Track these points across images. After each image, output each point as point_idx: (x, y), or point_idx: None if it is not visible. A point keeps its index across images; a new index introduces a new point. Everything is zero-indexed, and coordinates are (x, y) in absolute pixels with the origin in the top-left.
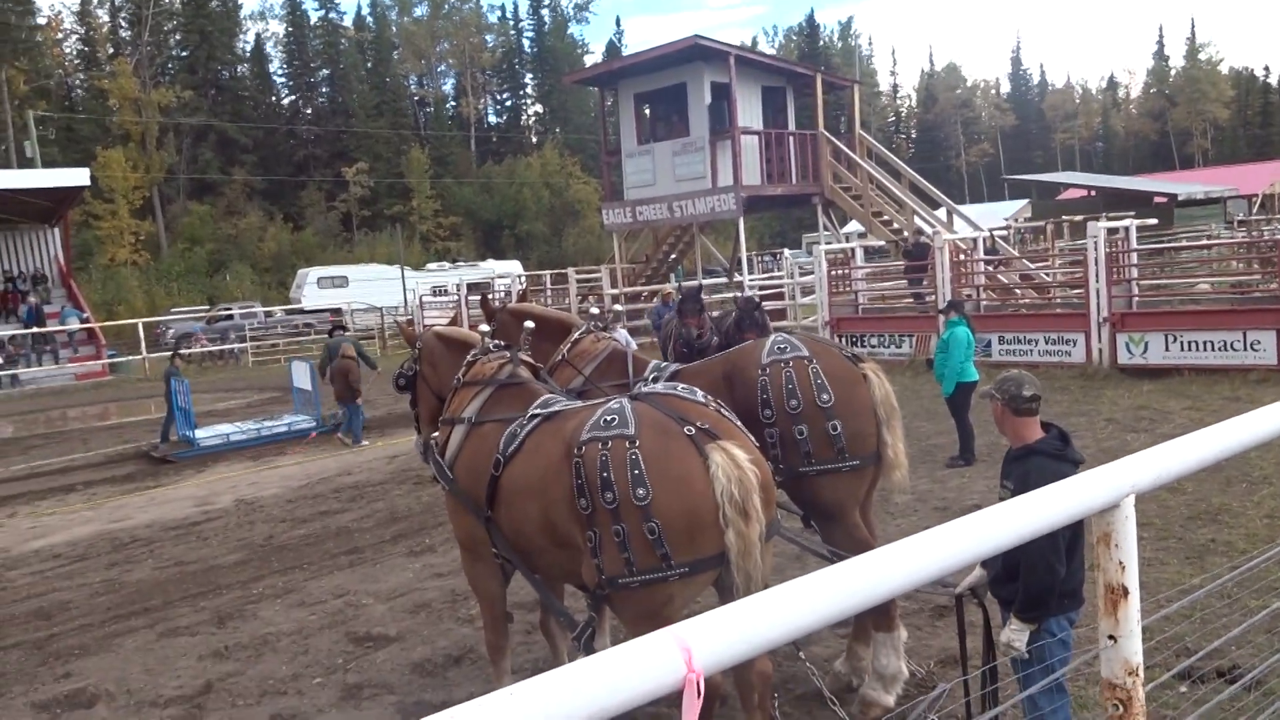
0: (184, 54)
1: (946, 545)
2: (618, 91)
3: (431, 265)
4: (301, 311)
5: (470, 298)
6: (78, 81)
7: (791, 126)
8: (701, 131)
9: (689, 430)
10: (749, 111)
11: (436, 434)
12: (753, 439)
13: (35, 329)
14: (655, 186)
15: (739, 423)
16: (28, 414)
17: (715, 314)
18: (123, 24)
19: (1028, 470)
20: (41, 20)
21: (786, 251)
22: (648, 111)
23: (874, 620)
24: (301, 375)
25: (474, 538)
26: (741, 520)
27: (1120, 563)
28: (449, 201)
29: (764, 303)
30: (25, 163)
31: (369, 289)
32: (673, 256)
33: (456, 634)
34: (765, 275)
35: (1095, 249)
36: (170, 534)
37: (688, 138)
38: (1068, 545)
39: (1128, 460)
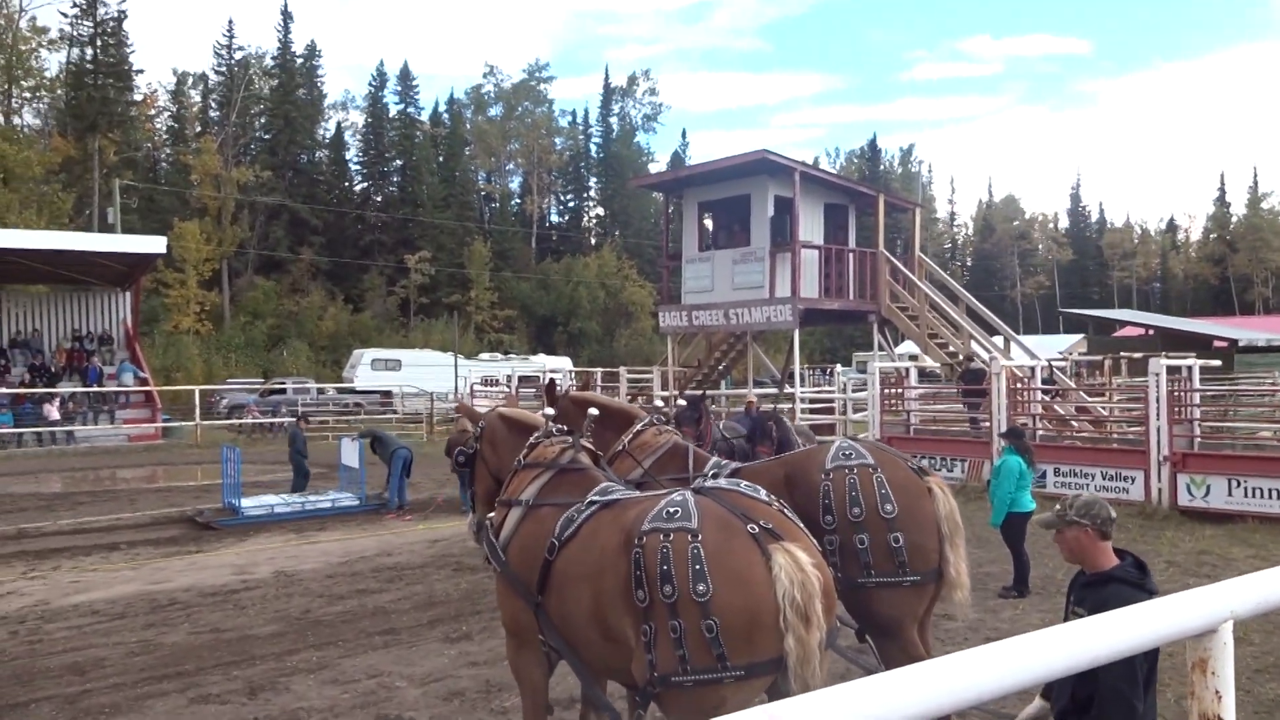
0: (267, 136)
1: (1038, 652)
2: (682, 198)
3: (484, 355)
4: (353, 391)
5: (522, 389)
6: (164, 155)
7: (852, 244)
8: (763, 242)
9: (752, 528)
10: (811, 226)
11: (492, 514)
12: (815, 543)
13: (94, 388)
14: (713, 293)
15: (802, 525)
16: (78, 471)
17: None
18: (213, 104)
19: (1105, 597)
20: (138, 96)
21: (839, 367)
22: (710, 219)
23: None
24: (350, 453)
25: (521, 623)
26: (802, 625)
27: (1217, 692)
28: (506, 294)
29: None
30: (106, 228)
31: (421, 374)
32: (724, 364)
33: None
34: (816, 389)
35: (1157, 386)
36: (208, 600)
37: (748, 247)
38: (1144, 680)
39: (1227, 584)
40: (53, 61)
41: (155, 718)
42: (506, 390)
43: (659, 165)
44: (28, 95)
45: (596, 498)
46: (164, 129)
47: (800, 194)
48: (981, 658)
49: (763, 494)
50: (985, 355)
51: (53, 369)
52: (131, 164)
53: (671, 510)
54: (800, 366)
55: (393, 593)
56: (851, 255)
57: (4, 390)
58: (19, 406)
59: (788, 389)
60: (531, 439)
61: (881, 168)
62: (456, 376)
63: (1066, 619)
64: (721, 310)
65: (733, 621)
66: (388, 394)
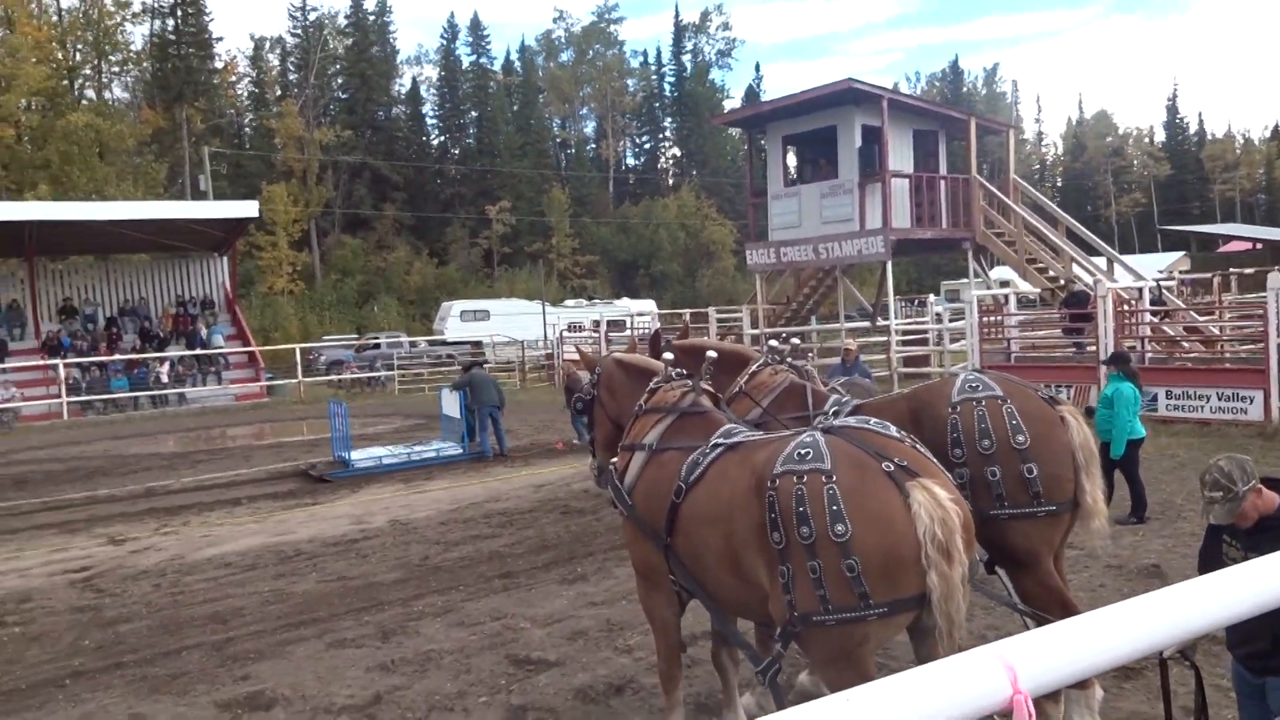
0: (344, 96)
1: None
2: (765, 133)
3: (569, 302)
4: (444, 343)
5: (613, 334)
6: (247, 121)
7: (943, 170)
8: (851, 174)
9: (887, 466)
10: (900, 154)
11: (615, 460)
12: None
13: (201, 351)
14: (801, 228)
15: (935, 460)
16: (192, 431)
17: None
18: (291, 68)
19: None
20: (219, 64)
21: (931, 297)
22: (795, 154)
23: None
24: (450, 403)
25: (651, 565)
26: (945, 561)
27: None
28: (586, 240)
29: (906, 347)
30: (199, 195)
31: (509, 323)
32: (814, 300)
33: (616, 663)
34: (908, 320)
35: (1276, 300)
36: (331, 549)
37: (836, 180)
38: None
39: None
40: (136, 35)
41: (297, 662)
42: (596, 336)
43: (734, 102)
44: (116, 70)
45: (720, 440)
46: (246, 95)
47: (888, 122)
48: (1242, 576)
49: (893, 430)
50: (1088, 278)
51: (160, 334)
52: (218, 131)
53: (803, 452)
54: (892, 299)
55: (505, 538)
56: (943, 182)
57: (118, 357)
58: (133, 372)
59: (880, 322)
60: (651, 384)
61: (965, 90)
62: (545, 324)
63: (1222, 557)
64: (810, 245)
65: (874, 560)
66: (478, 344)
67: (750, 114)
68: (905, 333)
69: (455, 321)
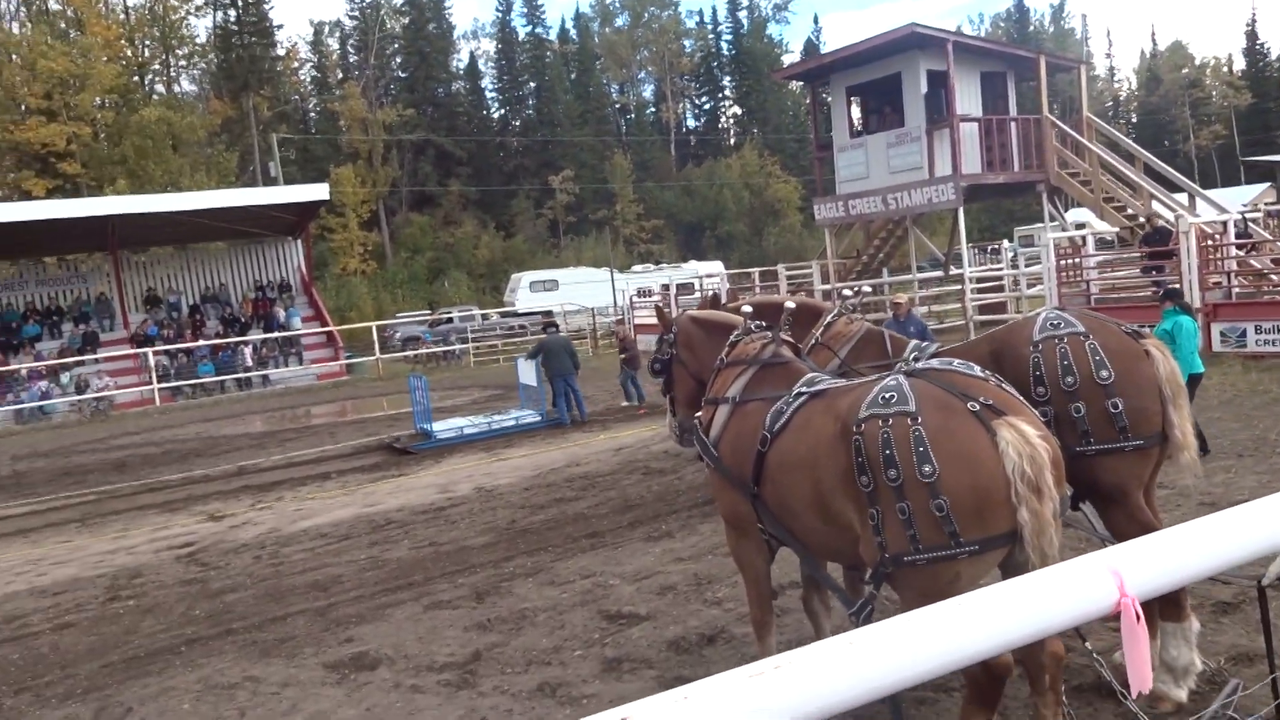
0: (404, 75)
1: None
2: (829, 85)
3: (636, 267)
4: (515, 314)
5: (682, 297)
6: (312, 105)
7: (1013, 112)
8: (918, 121)
9: (973, 406)
10: (967, 98)
11: (699, 415)
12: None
13: (281, 333)
14: (869, 179)
15: (1021, 398)
16: (277, 410)
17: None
18: (351, 50)
19: None
20: (281, 51)
21: (1005, 243)
22: (860, 104)
23: (1163, 609)
24: (527, 372)
25: (739, 514)
26: (1035, 498)
27: None
28: (651, 205)
29: (982, 295)
30: (269, 181)
31: (578, 291)
32: (884, 252)
33: (706, 615)
34: (983, 268)
35: None
36: (420, 517)
37: (903, 128)
38: None
39: None
40: (200, 28)
41: (397, 624)
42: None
43: (793, 56)
44: (183, 63)
45: (803, 389)
46: (309, 80)
47: (954, 65)
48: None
49: (978, 371)
50: (1168, 214)
51: (242, 319)
52: (284, 117)
53: (887, 395)
54: (965, 246)
55: (589, 500)
56: (1014, 124)
57: (203, 343)
58: (218, 356)
59: (953, 271)
60: (731, 337)
61: (1031, 29)
62: (614, 290)
63: None
64: (879, 196)
65: (963, 499)
66: (548, 313)
67: (812, 66)
68: (980, 280)
69: (525, 293)
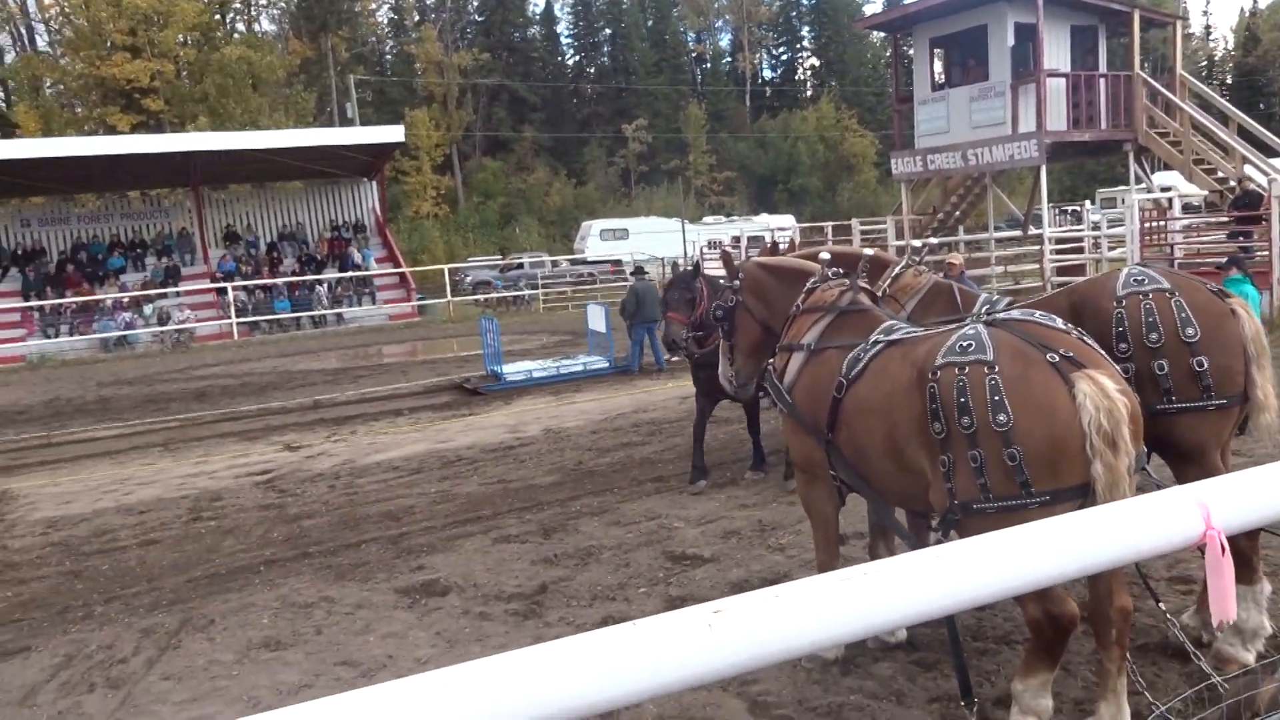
0: (480, 19)
1: None
2: (912, 36)
3: (708, 219)
4: (585, 262)
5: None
6: (388, 48)
7: (1102, 68)
8: (1003, 75)
9: (1052, 357)
10: (1056, 52)
11: (772, 360)
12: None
13: (355, 273)
14: (949, 134)
15: (1102, 352)
16: (350, 348)
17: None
18: None
19: None
20: None
21: (1087, 204)
22: (943, 56)
23: (1236, 572)
24: (597, 318)
25: (811, 459)
26: (1110, 451)
27: None
28: (723, 156)
29: (1061, 257)
30: (346, 122)
31: (648, 240)
32: (962, 209)
33: (769, 560)
34: (1062, 229)
35: None
36: (490, 455)
37: (987, 82)
38: None
39: None
40: None
41: (467, 554)
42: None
43: (874, 7)
44: (263, 2)
45: (881, 336)
46: (385, 22)
47: (1044, 18)
48: None
49: (1059, 323)
50: (1262, 179)
51: (317, 258)
52: (361, 59)
53: (965, 344)
54: (1045, 206)
55: (655, 445)
56: (1103, 81)
57: (280, 280)
58: (294, 294)
59: (1032, 231)
60: (809, 284)
61: None
62: (684, 241)
63: None
64: (959, 151)
65: (1036, 449)
66: (618, 262)
67: (895, 16)
68: (1059, 241)
69: (595, 241)
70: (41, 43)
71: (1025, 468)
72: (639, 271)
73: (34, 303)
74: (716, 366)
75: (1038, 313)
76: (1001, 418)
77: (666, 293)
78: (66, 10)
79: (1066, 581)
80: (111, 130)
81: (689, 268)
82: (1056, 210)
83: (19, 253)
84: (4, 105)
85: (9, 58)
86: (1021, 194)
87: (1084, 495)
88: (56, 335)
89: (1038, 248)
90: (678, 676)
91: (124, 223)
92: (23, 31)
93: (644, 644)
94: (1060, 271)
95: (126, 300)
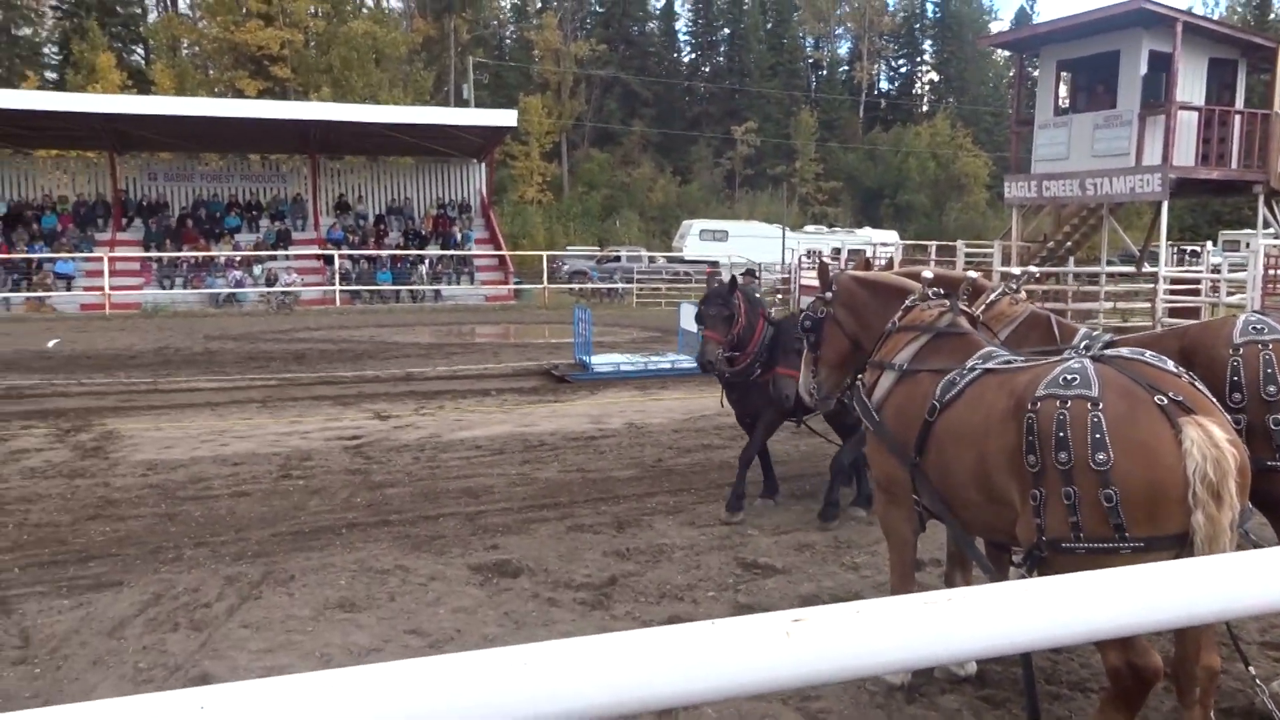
0: (601, 10)
1: None
2: (1039, 57)
3: (809, 228)
4: (682, 260)
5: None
6: (509, 32)
7: (1239, 104)
8: (1131, 104)
9: (1160, 400)
10: (1190, 84)
11: (862, 376)
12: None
13: (457, 252)
14: (1068, 161)
15: (1214, 399)
16: (445, 325)
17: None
18: None
19: None
20: None
21: (1209, 245)
22: (1069, 80)
23: None
24: (689, 317)
25: (895, 480)
26: (1213, 503)
27: None
28: (831, 165)
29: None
30: (461, 103)
31: (747, 244)
32: (1074, 239)
33: (841, 578)
34: (1179, 269)
35: None
36: (571, 443)
37: (1114, 110)
38: None
39: None
40: None
41: (540, 539)
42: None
43: (1001, 25)
44: None
45: (979, 362)
46: (508, 6)
47: (1181, 47)
48: None
49: (1170, 365)
50: None
51: (422, 233)
52: (481, 42)
53: (1069, 377)
54: (1164, 244)
55: (735, 449)
56: (1238, 117)
57: (384, 252)
58: (396, 266)
59: (1146, 268)
60: (907, 301)
61: (1272, 16)
62: (783, 248)
63: None
64: (1077, 180)
65: (1135, 493)
66: (714, 264)
67: (1023, 35)
68: (1175, 281)
69: (694, 240)
70: (183, 4)
71: (1121, 510)
72: (749, 274)
73: (153, 254)
74: (748, 388)
75: (1148, 352)
76: (1101, 456)
77: (701, 308)
78: None
79: (1153, 633)
80: (239, 94)
81: (725, 282)
82: (1175, 249)
83: (144, 204)
84: (143, 63)
85: (152, 17)
86: (1139, 229)
87: (1180, 545)
88: (171, 287)
89: (1151, 286)
90: (752, 680)
91: (243, 184)
92: None
93: (721, 644)
94: (1173, 313)
95: (238, 259)
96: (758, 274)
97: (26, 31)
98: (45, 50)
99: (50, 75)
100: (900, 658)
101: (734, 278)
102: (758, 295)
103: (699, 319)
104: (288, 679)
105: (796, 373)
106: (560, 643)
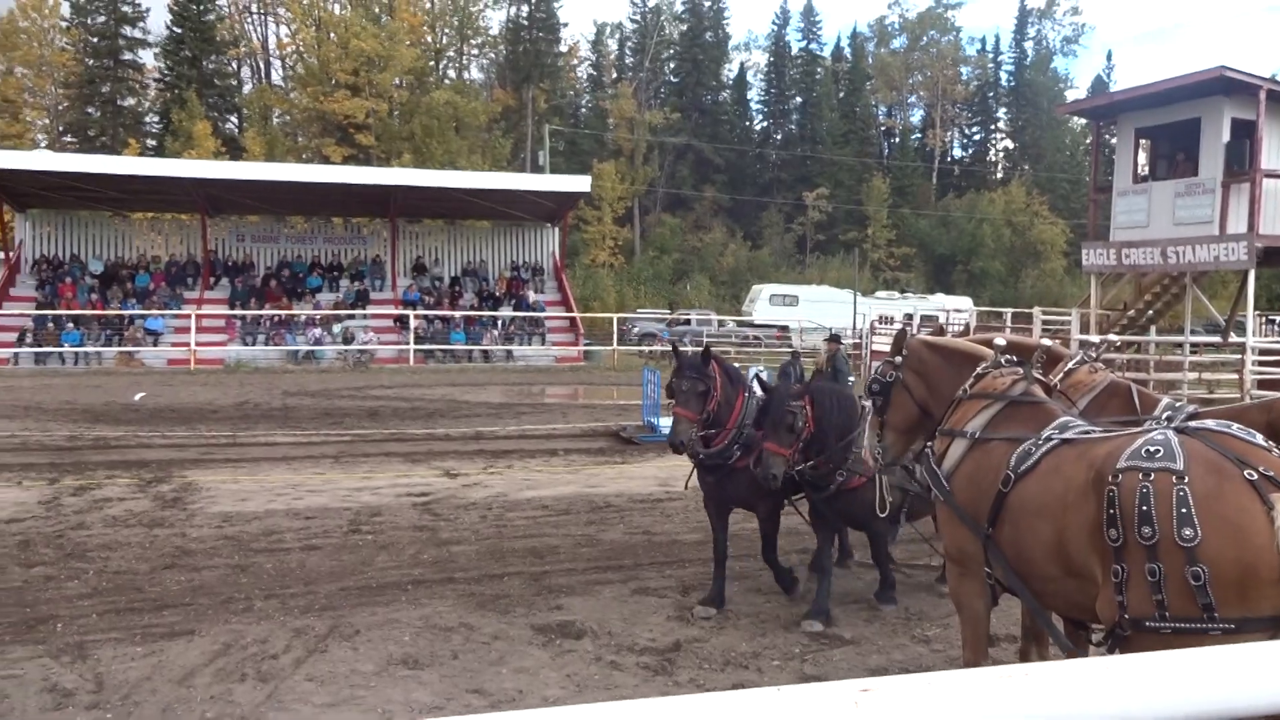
0: (675, 80)
1: None
2: (1117, 124)
3: (880, 293)
4: (752, 324)
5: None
6: (584, 101)
7: None
8: (1213, 172)
9: (1250, 474)
10: (1276, 151)
11: (931, 444)
12: None
13: (529, 314)
14: (1148, 229)
15: None
16: (516, 385)
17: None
18: (628, 51)
19: None
20: (564, 48)
21: None
22: (1148, 148)
23: None
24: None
25: (966, 553)
26: None
27: None
28: (903, 232)
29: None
30: (537, 169)
31: (818, 309)
32: (1156, 308)
33: (911, 650)
34: (1268, 340)
35: None
36: (637, 505)
37: (1195, 178)
38: None
39: None
40: (494, 20)
41: (604, 601)
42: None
43: (1078, 93)
44: (475, 53)
45: (1055, 432)
46: (585, 77)
47: (1265, 114)
48: None
49: (1259, 438)
50: None
51: (496, 294)
52: (558, 110)
53: (1152, 449)
54: (1251, 314)
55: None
56: None
57: (459, 313)
58: (469, 327)
59: (1233, 339)
60: (979, 369)
61: None
62: (855, 313)
63: None
64: (1158, 248)
65: (1225, 572)
66: (784, 328)
67: (1100, 104)
68: (1264, 352)
69: (764, 304)
70: (276, 76)
71: (1210, 589)
72: (834, 339)
73: (238, 311)
74: (726, 470)
75: (1235, 425)
76: (1188, 532)
77: (673, 380)
78: (301, 50)
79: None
80: (325, 160)
81: (698, 352)
82: (1263, 318)
83: (231, 264)
84: (237, 130)
85: (247, 88)
86: (1224, 298)
87: (1274, 628)
88: (254, 344)
89: (1238, 356)
90: None
91: (325, 246)
92: (261, 65)
93: (787, 712)
94: (1261, 385)
95: (319, 318)
96: (841, 340)
97: (131, 102)
98: (148, 120)
99: (150, 142)
100: None
101: (707, 346)
102: (736, 367)
103: (669, 391)
104: None
105: (786, 450)
106: (629, 703)
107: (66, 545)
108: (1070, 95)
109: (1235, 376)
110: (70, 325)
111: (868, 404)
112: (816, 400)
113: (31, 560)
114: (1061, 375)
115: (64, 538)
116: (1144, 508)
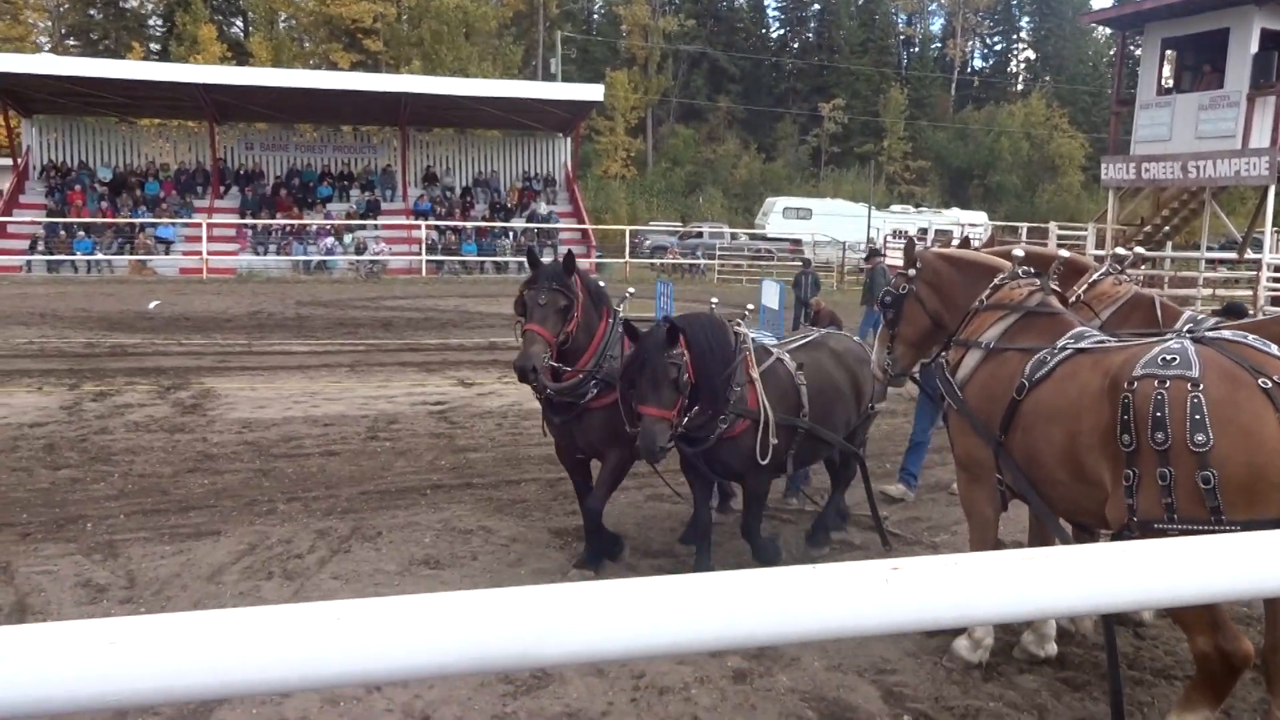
0: None
1: None
2: (1143, 34)
3: (895, 207)
4: (764, 238)
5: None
6: (597, 7)
7: None
8: (1239, 85)
9: (1264, 383)
10: None
11: (946, 354)
12: None
13: (540, 225)
14: (1170, 143)
15: None
16: None
17: None
18: None
19: None
20: None
21: None
22: (1175, 58)
23: None
24: (771, 294)
25: (977, 460)
26: None
27: None
28: (920, 145)
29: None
30: (549, 78)
31: (831, 223)
32: (1173, 224)
33: (920, 554)
34: None
35: None
36: None
37: (1220, 90)
38: None
39: None
40: None
41: (620, 507)
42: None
43: (1103, 1)
44: None
45: (1071, 342)
46: None
47: None
48: None
49: (1275, 349)
50: None
51: (507, 205)
52: (570, 16)
53: (1168, 358)
54: (1270, 230)
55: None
56: None
57: (470, 224)
58: (481, 238)
59: (1249, 255)
60: (996, 280)
61: None
62: (869, 227)
63: None
64: (1179, 162)
65: (1235, 475)
66: (797, 241)
67: (1127, 12)
68: (1278, 269)
69: (777, 218)
70: None
71: (1220, 493)
72: (875, 254)
73: (249, 221)
74: (576, 409)
75: (1251, 335)
76: (1200, 438)
77: (526, 292)
78: None
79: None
80: (333, 66)
81: (557, 260)
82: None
83: (241, 173)
84: (243, 35)
85: None
86: (1243, 214)
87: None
88: (265, 253)
89: (1253, 273)
90: (851, 624)
91: (335, 155)
92: None
93: (822, 588)
94: (1275, 301)
95: (330, 228)
96: (883, 254)
97: (133, 4)
98: (150, 22)
99: (154, 46)
100: (996, 611)
101: (569, 254)
102: (602, 285)
103: (519, 306)
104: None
105: (669, 413)
106: (669, 578)
107: (91, 449)
108: (1096, 4)
109: (1250, 293)
110: (81, 233)
111: (743, 328)
112: (693, 341)
113: (58, 463)
114: (1086, 286)
115: (88, 441)
116: (1158, 414)
